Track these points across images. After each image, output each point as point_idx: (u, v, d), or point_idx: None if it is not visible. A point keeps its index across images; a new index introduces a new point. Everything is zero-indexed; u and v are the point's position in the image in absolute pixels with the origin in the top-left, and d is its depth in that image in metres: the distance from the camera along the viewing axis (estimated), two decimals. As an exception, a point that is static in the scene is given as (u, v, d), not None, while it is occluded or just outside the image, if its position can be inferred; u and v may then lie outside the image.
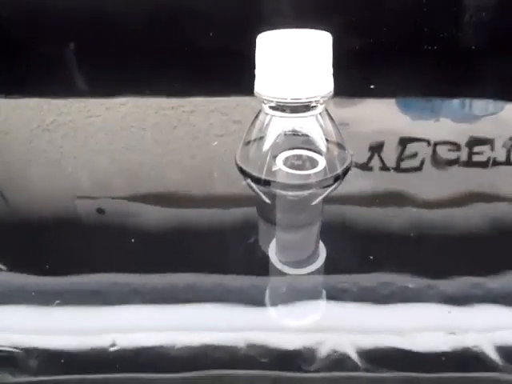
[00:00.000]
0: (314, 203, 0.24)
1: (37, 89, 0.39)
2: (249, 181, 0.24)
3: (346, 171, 0.24)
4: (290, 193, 0.23)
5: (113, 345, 0.17)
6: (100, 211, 0.25)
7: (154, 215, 0.25)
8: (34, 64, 0.42)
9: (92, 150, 0.32)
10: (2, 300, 0.20)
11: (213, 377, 0.16)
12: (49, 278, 0.21)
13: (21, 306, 0.19)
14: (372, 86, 0.37)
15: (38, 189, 0.28)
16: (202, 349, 0.17)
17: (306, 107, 0.22)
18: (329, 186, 0.23)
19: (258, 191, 0.24)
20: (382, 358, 0.16)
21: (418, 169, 0.28)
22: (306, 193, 0.23)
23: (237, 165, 0.24)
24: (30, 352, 0.17)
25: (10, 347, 0.17)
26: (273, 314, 0.19)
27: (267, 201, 0.24)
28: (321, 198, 0.23)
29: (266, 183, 0.23)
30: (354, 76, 0.36)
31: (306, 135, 0.23)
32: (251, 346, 0.17)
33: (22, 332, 0.18)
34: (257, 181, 0.23)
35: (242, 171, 0.24)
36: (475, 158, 0.29)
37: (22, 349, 0.17)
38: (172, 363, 0.17)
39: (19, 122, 0.36)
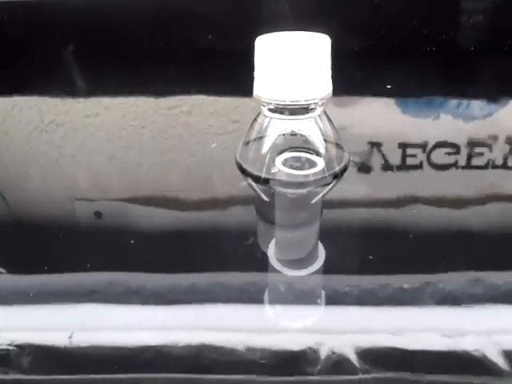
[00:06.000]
0: (312, 202, 0.24)
1: (35, 88, 0.39)
2: (249, 180, 0.24)
3: (343, 170, 0.24)
4: (289, 190, 0.23)
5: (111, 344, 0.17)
6: (98, 212, 0.25)
7: (152, 215, 0.25)
8: (33, 63, 0.42)
9: (90, 149, 0.32)
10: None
11: (212, 378, 0.16)
12: (48, 278, 0.21)
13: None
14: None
15: (37, 189, 0.28)
16: (199, 348, 0.17)
17: (304, 109, 0.22)
18: (327, 184, 0.23)
19: (258, 190, 0.24)
20: (380, 360, 0.17)
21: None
22: (304, 190, 0.23)
23: (237, 164, 0.25)
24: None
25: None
26: (271, 315, 0.19)
27: (266, 199, 0.24)
28: (319, 196, 0.23)
29: (266, 181, 0.23)
30: (353, 77, 0.36)
31: (305, 137, 0.23)
32: (249, 347, 0.17)
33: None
34: (256, 179, 0.23)
35: (241, 170, 0.24)
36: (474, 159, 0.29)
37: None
38: (170, 363, 0.17)
39: (18, 121, 0.36)
